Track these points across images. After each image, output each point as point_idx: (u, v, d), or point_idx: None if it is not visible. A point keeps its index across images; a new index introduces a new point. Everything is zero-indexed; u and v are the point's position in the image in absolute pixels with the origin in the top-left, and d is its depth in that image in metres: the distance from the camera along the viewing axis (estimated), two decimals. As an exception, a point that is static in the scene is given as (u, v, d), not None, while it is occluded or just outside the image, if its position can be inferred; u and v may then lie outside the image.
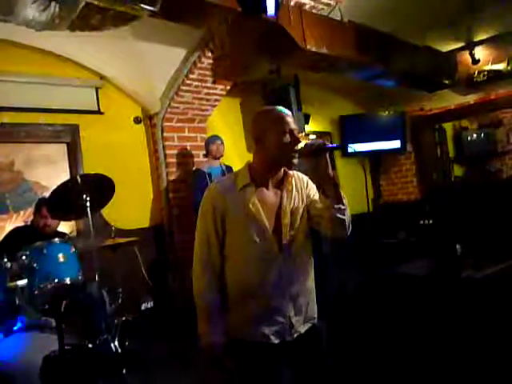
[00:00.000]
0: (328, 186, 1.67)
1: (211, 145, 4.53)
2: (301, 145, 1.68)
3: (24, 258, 2.63)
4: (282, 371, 1.76)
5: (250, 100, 5.62)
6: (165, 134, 4.78)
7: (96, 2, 2.53)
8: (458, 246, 4.02)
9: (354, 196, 6.63)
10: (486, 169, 7.21)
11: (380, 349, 2.99)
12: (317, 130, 6.60)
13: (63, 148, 4.36)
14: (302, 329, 1.78)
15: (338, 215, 1.66)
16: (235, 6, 3.13)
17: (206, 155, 4.64)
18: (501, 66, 5.55)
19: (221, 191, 1.74)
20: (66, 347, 2.35)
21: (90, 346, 2.70)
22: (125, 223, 4.33)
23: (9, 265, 2.61)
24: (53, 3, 2.51)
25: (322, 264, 2.57)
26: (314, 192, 1.82)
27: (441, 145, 7.49)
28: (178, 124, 4.86)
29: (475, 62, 5.31)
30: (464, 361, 2.66)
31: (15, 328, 2.52)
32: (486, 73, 5.64)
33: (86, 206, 3.10)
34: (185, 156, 4.88)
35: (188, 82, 4.52)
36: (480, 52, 5.31)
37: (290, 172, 1.80)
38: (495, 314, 2.82)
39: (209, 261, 1.73)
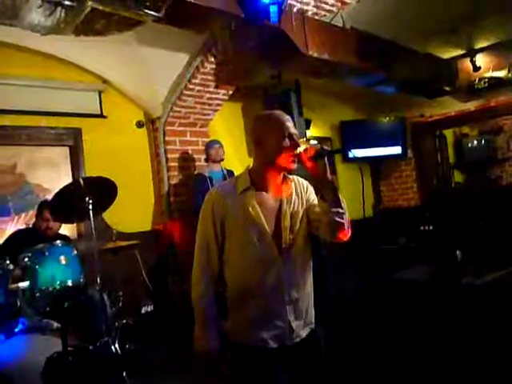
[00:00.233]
0: (326, 190, 1.68)
1: (210, 149, 4.56)
2: (300, 149, 1.70)
3: (26, 260, 2.64)
4: (279, 376, 1.75)
5: (252, 105, 5.65)
6: (167, 138, 4.80)
7: (101, 8, 2.55)
8: (458, 253, 4.03)
9: (353, 201, 6.63)
10: (486, 176, 7.22)
11: (379, 355, 2.99)
12: (317, 135, 6.63)
13: (66, 151, 4.38)
14: (303, 333, 1.79)
15: (337, 219, 1.67)
16: (238, 12, 3.17)
17: (206, 160, 4.66)
18: (501, 74, 5.58)
19: (221, 195, 1.76)
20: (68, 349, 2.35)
21: (91, 347, 2.71)
22: (126, 226, 4.34)
23: (11, 267, 2.62)
24: (58, 8, 2.54)
25: (321, 269, 2.58)
26: (313, 197, 1.83)
27: (441, 151, 7.52)
28: (180, 128, 4.88)
29: (476, 69, 5.34)
30: (464, 367, 2.66)
31: (16, 330, 2.52)
32: (486, 80, 5.67)
33: (89, 209, 3.11)
34: (186, 160, 4.90)
35: (190, 86, 4.55)
36: (481, 59, 5.34)
37: (290, 176, 1.82)
38: (495, 320, 2.82)
39: (207, 265, 1.75)
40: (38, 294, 2.57)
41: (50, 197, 3.59)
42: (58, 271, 2.68)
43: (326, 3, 3.75)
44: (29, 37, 3.18)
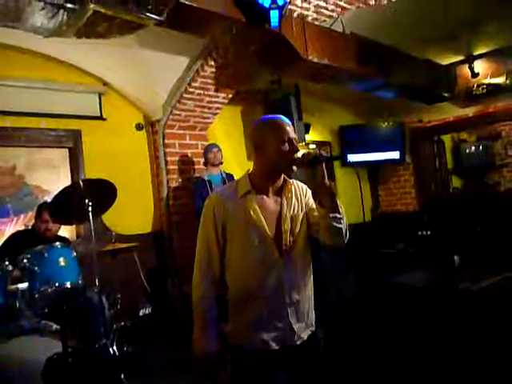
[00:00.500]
0: (324, 195, 1.69)
1: (208, 153, 4.57)
2: (299, 154, 1.71)
3: (25, 261, 2.64)
4: (278, 379, 1.77)
5: (252, 109, 5.67)
6: (166, 141, 4.81)
7: (103, 11, 2.56)
8: (456, 258, 4.04)
9: (352, 205, 6.66)
10: (484, 181, 7.25)
11: (377, 359, 3.00)
12: (317, 139, 6.65)
13: (65, 153, 4.39)
14: (305, 335, 1.80)
15: (335, 224, 1.69)
16: (239, 16, 3.19)
17: (205, 164, 4.67)
18: (500, 80, 5.62)
19: (221, 200, 1.77)
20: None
21: (89, 349, 2.71)
22: (125, 229, 4.35)
23: (10, 268, 2.62)
24: (61, 11, 2.55)
25: (320, 272, 2.59)
26: (312, 200, 1.84)
27: (439, 156, 7.55)
28: (180, 131, 4.89)
29: (474, 75, 5.38)
30: (461, 371, 2.67)
31: (15, 331, 2.52)
32: (484, 86, 5.71)
33: (88, 211, 3.11)
34: (186, 163, 4.91)
35: (190, 89, 4.56)
36: (479, 65, 5.38)
37: (290, 180, 1.83)
38: (492, 326, 2.83)
39: (208, 268, 1.76)
40: (36, 296, 2.57)
41: (49, 198, 3.61)
42: (57, 273, 2.68)
43: (326, 9, 3.78)
44: (30, 39, 3.20)
